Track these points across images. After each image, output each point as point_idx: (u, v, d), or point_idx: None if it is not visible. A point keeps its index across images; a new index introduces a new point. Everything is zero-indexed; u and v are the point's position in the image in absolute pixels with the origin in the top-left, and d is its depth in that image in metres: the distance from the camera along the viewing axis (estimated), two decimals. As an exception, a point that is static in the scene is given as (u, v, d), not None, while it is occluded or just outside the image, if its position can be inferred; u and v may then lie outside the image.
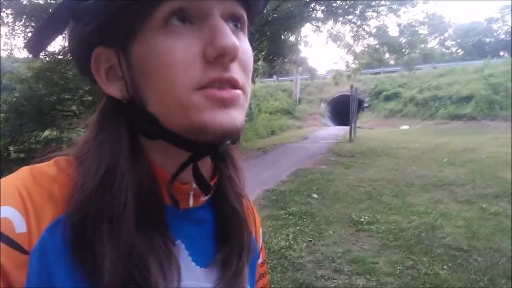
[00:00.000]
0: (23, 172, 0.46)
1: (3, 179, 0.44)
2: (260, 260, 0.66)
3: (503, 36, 39.67)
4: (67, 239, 0.42)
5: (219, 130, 0.43)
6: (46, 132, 9.56)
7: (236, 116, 0.44)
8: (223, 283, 0.52)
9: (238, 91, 0.44)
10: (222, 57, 0.42)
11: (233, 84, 0.44)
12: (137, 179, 0.46)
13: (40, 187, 0.44)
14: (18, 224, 0.41)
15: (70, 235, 0.42)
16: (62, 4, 0.44)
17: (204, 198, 0.54)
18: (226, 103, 0.43)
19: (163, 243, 0.46)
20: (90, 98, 10.11)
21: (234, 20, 0.46)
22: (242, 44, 0.46)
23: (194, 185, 0.51)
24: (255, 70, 12.94)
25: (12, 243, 0.40)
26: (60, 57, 9.31)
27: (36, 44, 0.46)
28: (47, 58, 9.56)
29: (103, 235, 0.42)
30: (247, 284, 0.57)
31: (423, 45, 14.87)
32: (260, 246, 0.66)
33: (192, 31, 0.43)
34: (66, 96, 9.57)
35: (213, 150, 0.48)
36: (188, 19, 0.43)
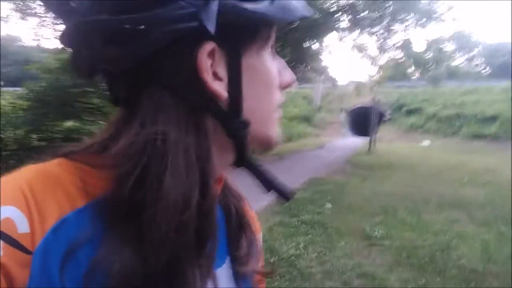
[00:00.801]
0: (27, 171, 0.45)
1: (6, 178, 0.44)
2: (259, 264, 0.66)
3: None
4: (75, 237, 0.42)
5: (276, 144, 0.53)
6: (69, 123, 9.74)
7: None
8: (232, 284, 0.54)
9: None
10: (289, 87, 0.52)
11: None
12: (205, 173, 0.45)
13: (44, 187, 0.44)
14: (20, 224, 0.41)
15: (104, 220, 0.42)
16: None
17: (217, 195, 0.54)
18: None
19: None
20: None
21: None
22: None
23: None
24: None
25: (15, 243, 0.40)
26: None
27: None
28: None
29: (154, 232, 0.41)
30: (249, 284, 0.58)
31: (449, 62, 14.63)
32: (259, 250, 0.66)
33: (274, 58, 0.51)
34: (90, 89, 9.75)
35: (248, 159, 0.53)
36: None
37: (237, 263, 0.55)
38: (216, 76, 0.46)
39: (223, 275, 0.53)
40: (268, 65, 0.49)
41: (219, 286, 0.51)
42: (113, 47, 0.42)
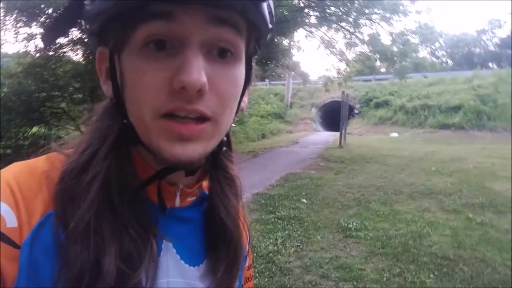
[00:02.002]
0: (15, 167, 0.47)
1: None
2: (246, 264, 0.67)
3: (492, 48, 40.36)
4: (56, 232, 0.43)
5: (172, 161, 0.45)
6: (34, 129, 9.44)
7: (194, 150, 0.45)
8: (215, 284, 0.54)
9: (203, 126, 0.45)
10: (184, 91, 0.42)
11: (198, 118, 0.44)
12: (116, 166, 0.48)
13: (32, 182, 0.45)
14: (9, 218, 0.42)
15: (56, 222, 0.44)
16: (71, 4, 0.47)
17: (191, 199, 0.56)
18: (184, 137, 0.44)
19: (142, 233, 0.47)
20: (80, 95, 10.03)
21: (223, 46, 0.45)
22: (226, 73, 0.46)
23: (181, 186, 0.53)
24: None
25: (3, 237, 0.41)
26: (51, 53, 9.22)
27: (49, 37, 0.50)
28: (37, 54, 9.46)
29: (72, 211, 0.44)
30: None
31: (414, 54, 15.04)
32: (247, 249, 0.67)
33: (166, 58, 0.43)
34: (56, 93, 9.48)
35: (180, 169, 0.50)
36: (167, 45, 0.43)
37: (215, 264, 0.55)
38: (109, 78, 0.49)
39: (201, 273, 0.54)
40: (136, 68, 0.44)
41: (192, 283, 0.53)
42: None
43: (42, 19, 8.33)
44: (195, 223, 0.56)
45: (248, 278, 0.68)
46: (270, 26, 0.48)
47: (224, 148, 0.54)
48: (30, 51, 9.68)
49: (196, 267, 0.54)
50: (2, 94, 8.82)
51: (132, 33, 0.44)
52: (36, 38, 9.25)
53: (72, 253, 0.42)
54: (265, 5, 0.45)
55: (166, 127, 0.44)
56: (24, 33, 9.22)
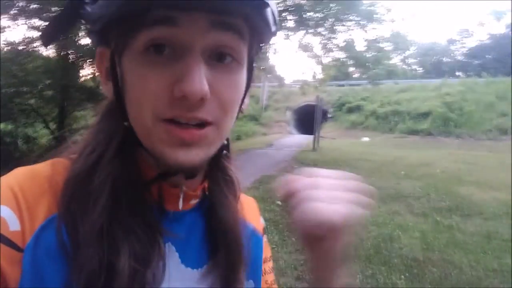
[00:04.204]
0: (18, 172, 0.47)
1: None
2: (267, 255, 0.68)
3: (460, 57, 41.86)
4: (61, 236, 0.43)
5: (175, 165, 0.46)
6: (2, 125, 9.10)
7: (196, 155, 0.45)
8: (217, 285, 0.54)
9: (204, 131, 0.45)
10: (184, 99, 0.42)
11: (199, 124, 0.45)
12: (123, 168, 0.48)
13: (34, 186, 0.45)
14: (12, 222, 0.42)
15: (63, 225, 0.44)
16: (71, 3, 0.46)
17: (193, 202, 0.56)
18: (186, 143, 0.45)
19: (150, 233, 0.47)
20: (50, 92, 9.73)
21: (224, 52, 0.45)
22: (228, 79, 0.46)
23: (184, 188, 0.53)
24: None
25: (6, 241, 0.41)
26: (20, 48, 8.91)
27: (48, 37, 0.49)
28: (5, 49, 9.12)
29: (82, 215, 0.44)
30: (245, 285, 0.58)
31: (387, 61, 15.40)
32: (263, 229, 0.68)
33: (166, 63, 0.43)
34: (25, 89, 9.17)
35: (187, 172, 0.50)
36: (169, 51, 0.43)
37: (217, 265, 0.55)
38: (110, 78, 0.49)
39: (203, 276, 0.54)
40: (137, 73, 0.44)
41: (194, 286, 0.53)
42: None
43: (13, 11, 8.04)
44: (197, 225, 0.57)
45: (267, 270, 0.67)
46: (273, 29, 0.48)
47: (224, 152, 0.55)
48: (-2, 44, 9.33)
49: (198, 269, 0.54)
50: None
51: (134, 37, 0.43)
52: (5, 31, 8.92)
53: (86, 256, 0.42)
54: (268, 10, 0.45)
55: (168, 132, 0.44)
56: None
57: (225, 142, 0.54)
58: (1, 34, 8.87)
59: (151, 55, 0.43)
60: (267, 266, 0.68)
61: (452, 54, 43.12)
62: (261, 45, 0.53)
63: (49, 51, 9.58)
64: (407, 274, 3.74)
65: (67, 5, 0.47)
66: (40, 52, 9.45)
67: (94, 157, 0.47)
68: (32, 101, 9.76)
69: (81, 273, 0.41)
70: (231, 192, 0.59)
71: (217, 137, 0.48)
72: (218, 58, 0.45)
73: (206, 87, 0.42)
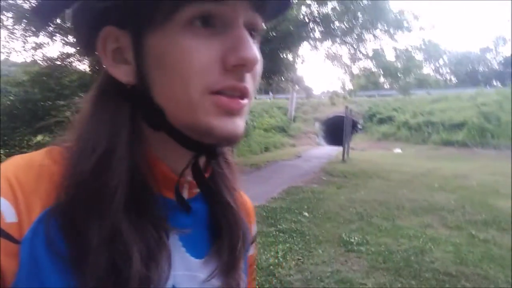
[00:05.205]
0: (14, 162, 0.45)
1: None
2: (251, 252, 0.66)
3: (496, 66, 40.49)
4: (56, 228, 0.42)
5: (224, 136, 0.45)
6: (39, 137, 9.50)
7: (240, 125, 0.46)
8: (218, 274, 0.53)
9: (246, 101, 0.46)
10: (242, 67, 0.43)
11: (244, 94, 0.45)
12: (132, 166, 0.45)
13: (31, 177, 0.44)
14: (8, 213, 0.41)
15: (60, 222, 0.42)
16: None
17: (197, 190, 0.54)
18: (234, 113, 0.45)
19: (155, 232, 0.46)
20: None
21: (252, 29, 0.47)
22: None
23: (189, 178, 0.52)
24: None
25: (2, 233, 0.40)
26: (57, 62, 9.33)
27: (46, 12, 0.46)
28: (44, 64, 9.57)
29: (92, 218, 0.42)
30: (242, 275, 0.57)
31: (418, 71, 15.11)
32: (252, 238, 0.66)
33: (214, 35, 0.43)
34: (61, 102, 9.56)
35: (212, 151, 0.50)
36: (212, 24, 0.43)
37: (220, 250, 0.54)
38: (121, 60, 0.47)
39: (206, 264, 0.53)
40: (184, 45, 0.42)
41: (197, 275, 0.52)
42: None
43: (51, 28, 8.45)
44: (200, 214, 0.56)
45: (251, 264, 0.67)
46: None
47: None
48: (37, 60, 9.81)
49: (202, 259, 0.54)
50: (8, 103, 8.90)
51: (176, 11, 0.42)
52: (44, 47, 9.38)
53: (96, 262, 0.41)
54: None
55: (216, 103, 0.43)
56: (32, 43, 9.34)
57: None
58: (40, 50, 9.32)
59: (196, 28, 0.43)
60: (252, 260, 0.67)
61: (487, 63, 41.75)
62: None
63: (84, 65, 9.98)
64: (438, 288, 3.59)
65: None
66: (75, 66, 9.86)
67: (99, 153, 0.44)
68: (68, 113, 10.14)
69: (90, 278, 0.40)
70: (233, 176, 0.59)
71: (248, 110, 0.48)
72: (250, 34, 0.47)
73: (258, 53, 0.44)
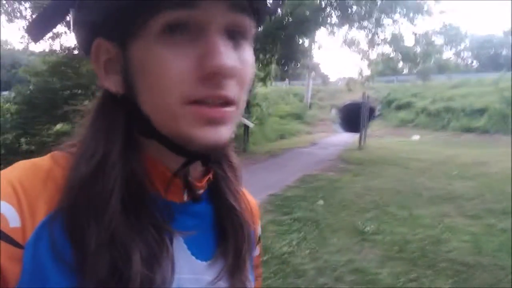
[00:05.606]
0: (18, 167, 0.46)
1: None
2: (257, 252, 0.66)
3: (520, 49, 39.18)
4: (60, 231, 0.42)
5: (205, 145, 0.44)
6: (58, 126, 9.69)
7: (223, 133, 0.45)
8: (223, 276, 0.53)
9: (230, 108, 0.45)
10: (215, 75, 0.42)
11: (226, 102, 0.44)
12: (128, 170, 0.46)
13: (35, 181, 0.44)
14: (12, 218, 0.41)
15: (63, 225, 0.43)
16: None
17: (200, 192, 0.54)
18: (215, 122, 0.44)
19: (156, 234, 0.46)
20: (102, 93, 10.24)
21: (237, 31, 0.45)
22: (243, 57, 0.46)
23: (190, 179, 0.52)
24: (267, 73, 12.93)
25: (6, 237, 0.40)
26: (75, 52, 9.45)
27: (37, 30, 0.48)
28: (62, 53, 9.70)
29: (89, 222, 0.43)
30: (249, 277, 0.57)
31: (438, 55, 14.76)
32: (258, 239, 0.67)
33: (189, 42, 0.43)
34: (79, 91, 9.71)
35: (205, 157, 0.49)
36: (186, 31, 0.43)
37: (225, 252, 0.54)
38: (113, 71, 0.47)
39: (212, 267, 0.53)
40: (157, 56, 0.42)
41: (203, 278, 0.52)
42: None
43: (68, 18, 8.53)
44: (204, 216, 0.56)
45: (256, 265, 0.67)
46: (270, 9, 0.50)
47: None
48: (55, 49, 9.95)
49: (208, 261, 0.54)
50: (27, 92, 9.08)
51: (149, 21, 0.42)
52: (61, 36, 9.50)
53: (96, 264, 0.41)
54: None
55: (196, 113, 0.43)
56: (49, 32, 9.48)
57: None
58: (57, 39, 9.43)
59: (170, 37, 0.42)
60: (257, 261, 0.67)
61: (510, 47, 40.44)
62: (259, 26, 0.52)
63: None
64: (455, 279, 3.55)
65: None
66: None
67: (97, 159, 0.46)
68: (86, 102, 10.29)
69: (91, 281, 0.41)
70: (236, 179, 0.59)
71: (236, 117, 0.47)
72: (232, 37, 0.45)
73: (234, 60, 0.43)
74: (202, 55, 0.42)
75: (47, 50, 10.21)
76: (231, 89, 0.44)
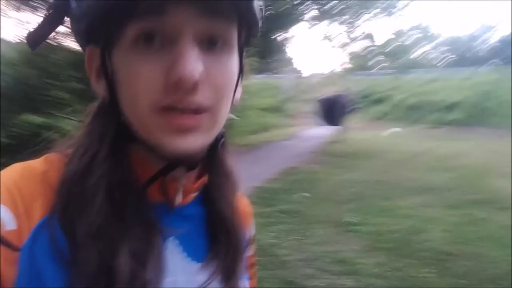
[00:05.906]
0: (13, 170, 0.47)
1: None
2: (250, 252, 0.68)
3: (495, 44, 40.23)
4: (58, 230, 0.43)
5: (173, 153, 0.45)
6: (36, 120, 9.38)
7: (194, 141, 0.45)
8: (217, 277, 0.54)
9: (201, 116, 0.45)
10: (179, 84, 0.42)
11: (198, 108, 0.44)
12: (115, 169, 0.47)
13: (31, 184, 0.45)
14: (8, 221, 0.42)
15: (60, 222, 0.43)
16: (57, 4, 0.48)
17: (193, 195, 0.55)
18: (185, 129, 0.44)
19: (144, 232, 0.47)
20: (79, 86, 9.93)
21: (214, 37, 0.45)
22: (219, 64, 0.45)
23: (183, 182, 0.53)
24: (249, 65, 12.87)
25: (2, 240, 0.41)
26: (48, 41, 9.14)
27: (36, 38, 0.49)
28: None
29: (80, 216, 0.44)
30: (242, 278, 0.58)
31: (415, 50, 15.02)
32: (251, 238, 0.68)
33: (159, 52, 0.43)
34: (56, 82, 9.40)
35: (184, 162, 0.49)
36: (160, 39, 0.43)
37: (217, 255, 0.55)
38: (102, 77, 0.49)
39: (202, 270, 0.53)
40: (129, 65, 0.44)
41: (199, 279, 0.52)
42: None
43: (33, 3, 8.20)
44: (198, 219, 0.57)
45: (251, 264, 0.68)
46: (259, 20, 0.49)
47: (222, 140, 0.54)
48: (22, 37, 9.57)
49: (201, 263, 0.54)
50: (3, 84, 8.74)
51: (122, 30, 0.43)
52: (28, 24, 9.11)
53: (84, 258, 0.42)
54: (255, 1, 0.46)
55: (165, 120, 0.43)
56: (15, 18, 9.07)
57: (223, 129, 0.53)
58: (23, 27, 9.06)
59: (142, 46, 0.43)
60: (252, 260, 0.68)
61: (486, 42, 41.51)
62: (250, 32, 0.52)
63: (73, 44, 9.79)
64: (438, 268, 3.61)
65: (53, 6, 0.48)
66: (68, 46, 9.64)
67: (87, 158, 0.47)
68: (62, 94, 9.98)
69: (81, 276, 0.41)
70: (230, 182, 0.59)
71: (213, 124, 0.47)
72: (209, 43, 0.45)
73: (199, 69, 0.42)
74: (171, 64, 0.42)
75: (20, 38, 9.83)
76: (204, 96, 0.44)
